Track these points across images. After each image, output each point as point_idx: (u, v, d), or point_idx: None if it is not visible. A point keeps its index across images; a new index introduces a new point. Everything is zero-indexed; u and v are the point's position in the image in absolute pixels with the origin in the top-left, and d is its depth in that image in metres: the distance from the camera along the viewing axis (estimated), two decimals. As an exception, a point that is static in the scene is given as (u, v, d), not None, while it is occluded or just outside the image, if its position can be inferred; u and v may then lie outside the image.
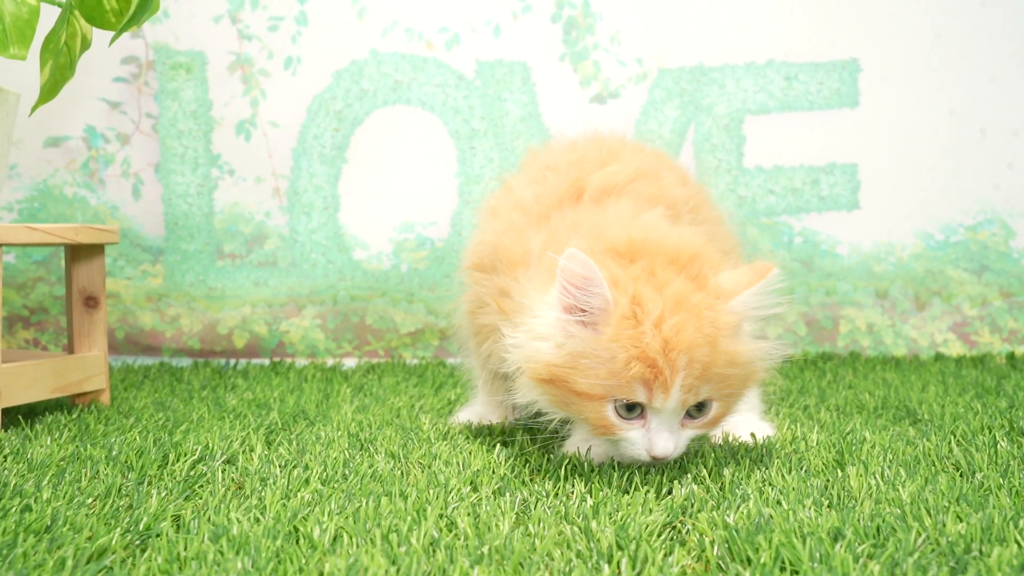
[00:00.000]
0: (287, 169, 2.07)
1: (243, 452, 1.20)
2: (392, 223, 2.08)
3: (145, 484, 1.06)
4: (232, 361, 2.06)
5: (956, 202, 2.06)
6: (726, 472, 1.06)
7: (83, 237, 1.49)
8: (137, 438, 1.26)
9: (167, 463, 1.15)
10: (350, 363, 2.06)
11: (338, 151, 2.07)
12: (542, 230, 1.18)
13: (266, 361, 2.06)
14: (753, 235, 2.07)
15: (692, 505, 0.97)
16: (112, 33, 1.42)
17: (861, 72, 2.05)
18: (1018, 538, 0.84)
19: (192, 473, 1.11)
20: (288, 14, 2.05)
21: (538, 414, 1.15)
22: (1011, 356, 2.02)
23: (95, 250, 1.56)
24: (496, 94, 2.07)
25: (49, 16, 1.53)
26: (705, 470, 1.08)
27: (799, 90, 2.06)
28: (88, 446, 1.21)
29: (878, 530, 0.87)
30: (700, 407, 1.07)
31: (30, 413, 1.48)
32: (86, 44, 1.45)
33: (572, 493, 1.03)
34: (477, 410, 1.40)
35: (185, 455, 1.17)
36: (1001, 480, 1.02)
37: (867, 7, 2.05)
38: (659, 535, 0.89)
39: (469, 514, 0.93)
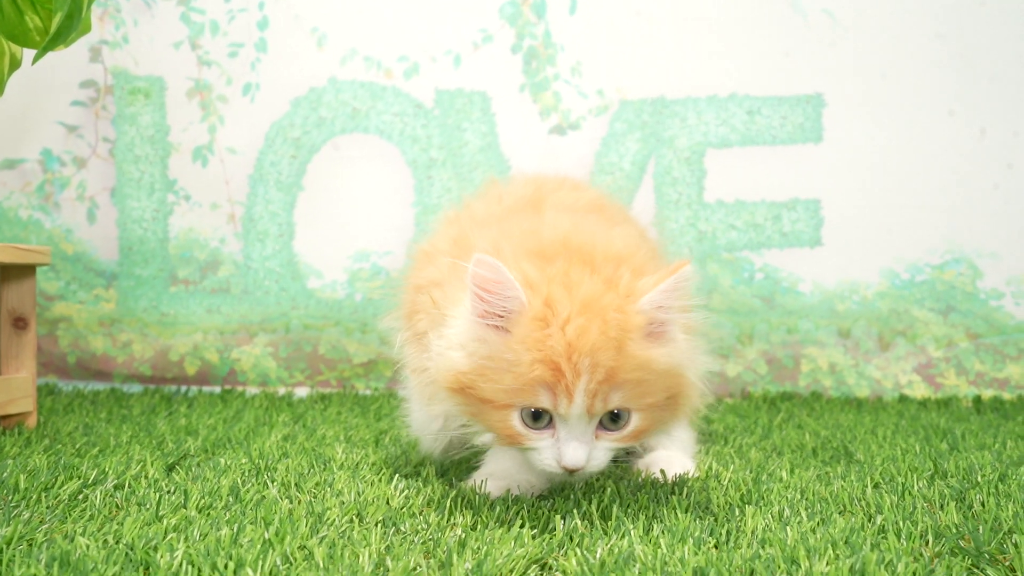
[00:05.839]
0: (243, 196, 2.06)
1: (136, 479, 1.17)
2: (347, 252, 2.06)
3: (21, 508, 1.03)
4: (183, 388, 2.03)
5: (922, 241, 2.01)
6: (615, 508, 1.02)
7: (7, 257, 1.48)
8: (37, 461, 1.24)
9: (54, 486, 1.12)
10: (301, 393, 2.03)
11: (294, 178, 2.06)
12: (489, 231, 1.15)
13: (217, 389, 2.04)
14: (713, 270, 2.03)
15: (572, 540, 0.93)
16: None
17: (825, 107, 2.02)
18: (889, 583, 0.79)
19: (79, 497, 1.08)
20: (248, 40, 2.05)
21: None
22: (977, 400, 1.96)
23: (25, 271, 1.55)
24: (455, 124, 2.05)
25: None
26: (597, 506, 1.04)
27: (762, 124, 2.03)
28: (-18, 468, 1.19)
29: (751, 572, 0.83)
30: (615, 418, 1.01)
31: (-51, 434, 1.46)
32: (15, 63, 1.45)
33: (455, 525, 0.99)
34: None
35: (75, 479, 1.14)
36: (901, 523, 0.97)
37: (832, 42, 2.02)
38: (523, 572, 0.85)
39: (331, 545, 0.89)
